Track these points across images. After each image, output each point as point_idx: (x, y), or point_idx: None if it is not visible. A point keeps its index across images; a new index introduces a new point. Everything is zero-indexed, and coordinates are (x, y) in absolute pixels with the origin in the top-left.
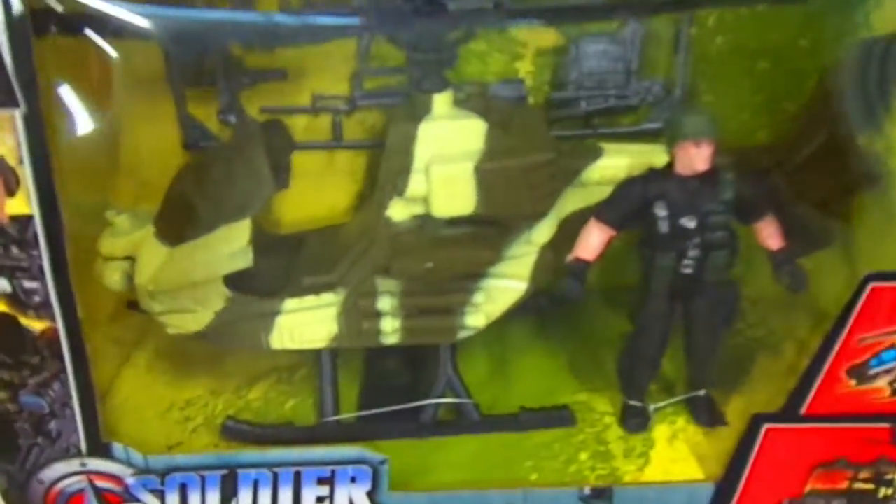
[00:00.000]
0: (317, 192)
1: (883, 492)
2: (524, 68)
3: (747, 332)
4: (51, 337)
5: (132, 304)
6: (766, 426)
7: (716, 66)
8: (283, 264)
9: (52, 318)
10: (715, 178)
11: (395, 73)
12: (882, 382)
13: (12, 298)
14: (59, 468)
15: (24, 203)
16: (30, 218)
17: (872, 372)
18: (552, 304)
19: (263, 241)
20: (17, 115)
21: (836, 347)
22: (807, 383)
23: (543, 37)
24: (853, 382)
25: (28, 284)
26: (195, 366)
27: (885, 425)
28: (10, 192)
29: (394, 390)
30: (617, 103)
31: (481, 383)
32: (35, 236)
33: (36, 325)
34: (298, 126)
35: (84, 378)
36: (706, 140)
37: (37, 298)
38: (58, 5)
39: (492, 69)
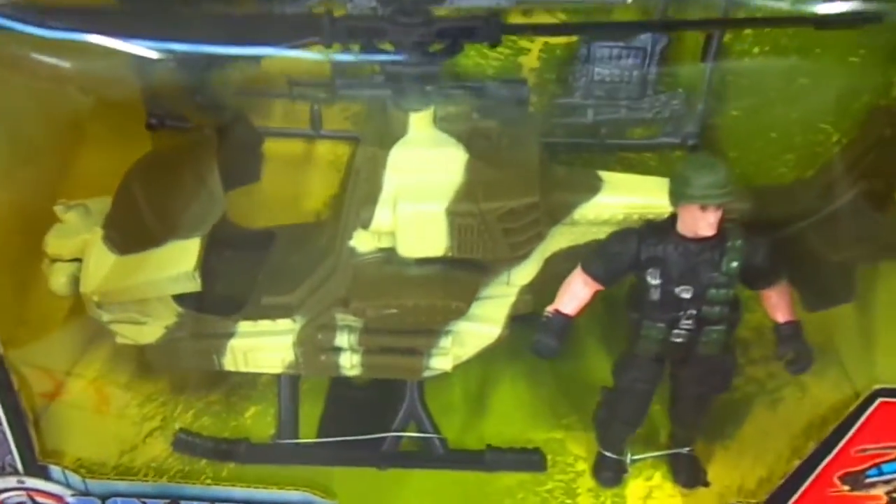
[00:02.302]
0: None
1: None
2: (529, 63)
3: (747, 369)
4: None
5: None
6: None
7: (748, 80)
8: (245, 267)
9: None
10: (721, 242)
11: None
12: (880, 491)
13: None
14: None
15: None
16: None
17: (869, 481)
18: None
19: (229, 237)
20: None
21: (833, 454)
22: (794, 483)
23: None
24: (846, 488)
25: None
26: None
27: None
28: None
29: (358, 414)
30: (628, 115)
31: (452, 409)
32: None
33: None
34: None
35: (12, 404)
36: (714, 205)
37: None
38: None
39: (492, 63)
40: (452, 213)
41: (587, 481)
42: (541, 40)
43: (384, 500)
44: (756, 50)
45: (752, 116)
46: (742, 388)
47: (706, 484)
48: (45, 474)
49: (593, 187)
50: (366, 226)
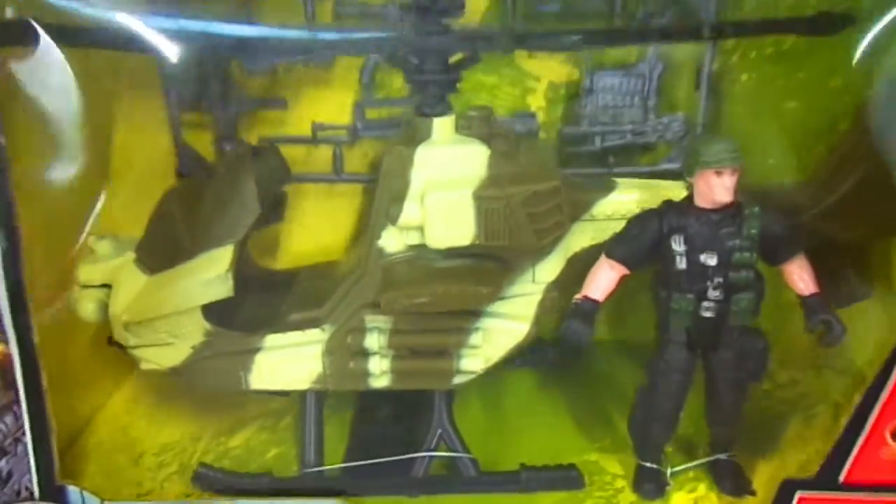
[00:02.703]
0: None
1: None
2: (536, 102)
3: (777, 393)
4: (4, 364)
5: (112, 341)
6: (799, 494)
7: (740, 105)
8: (271, 299)
9: (6, 342)
10: (739, 212)
11: (400, 103)
12: None
13: None
14: None
15: None
16: None
17: None
18: (559, 353)
19: (253, 276)
20: None
21: (879, 405)
22: (846, 446)
23: (556, 70)
24: None
25: None
26: (176, 406)
27: None
28: None
29: (384, 440)
30: (634, 140)
31: (477, 435)
32: None
33: None
34: (298, 157)
35: (38, 410)
36: (728, 168)
37: None
38: None
39: (502, 103)
40: (479, 198)
41: (628, 496)
42: (546, 79)
43: None
44: (745, 77)
45: (748, 141)
46: (775, 409)
47: (752, 492)
48: (61, 498)
49: (609, 187)
50: (394, 221)
